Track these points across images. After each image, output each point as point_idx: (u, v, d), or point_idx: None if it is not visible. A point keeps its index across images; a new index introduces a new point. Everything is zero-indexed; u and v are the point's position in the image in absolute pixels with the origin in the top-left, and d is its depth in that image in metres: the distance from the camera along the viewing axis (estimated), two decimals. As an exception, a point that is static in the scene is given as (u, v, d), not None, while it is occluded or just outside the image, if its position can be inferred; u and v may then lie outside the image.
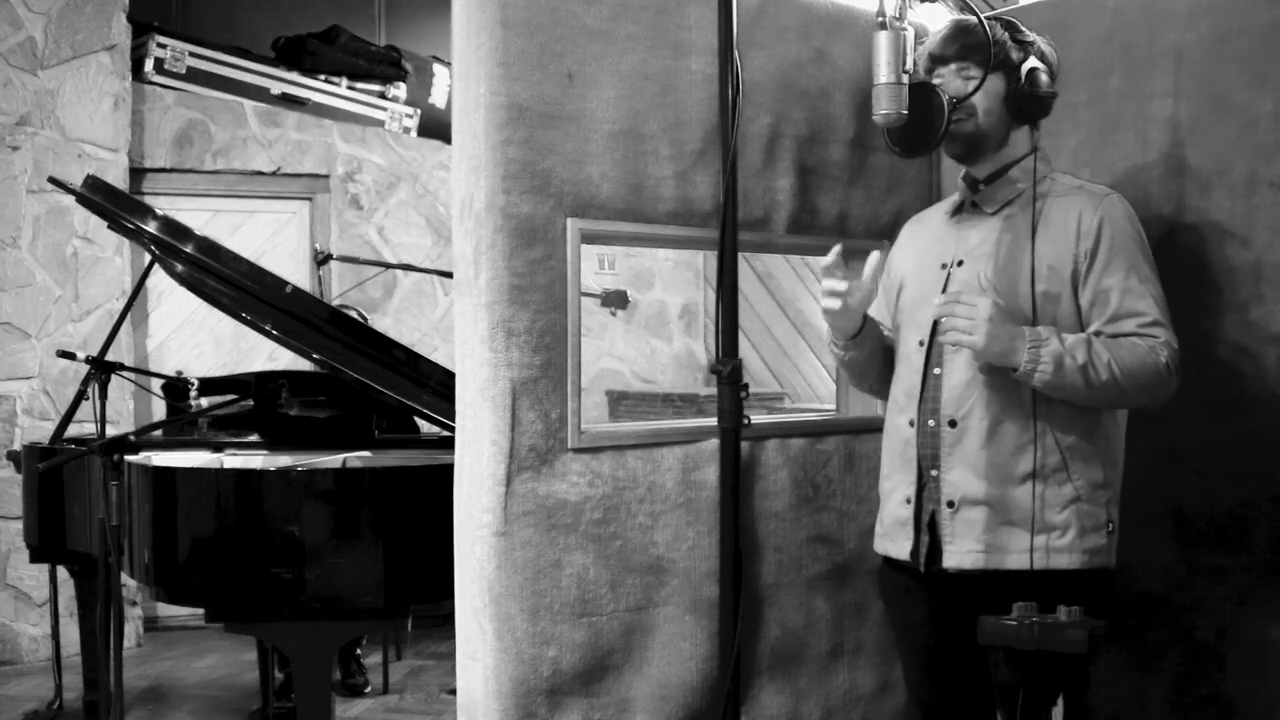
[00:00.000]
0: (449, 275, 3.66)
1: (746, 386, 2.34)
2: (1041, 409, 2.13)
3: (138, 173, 5.56)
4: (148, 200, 4.86)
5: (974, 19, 2.16)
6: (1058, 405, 2.14)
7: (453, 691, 3.49)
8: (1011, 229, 2.22)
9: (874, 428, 2.70)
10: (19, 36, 5.12)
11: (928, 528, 2.24)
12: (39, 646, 5.11)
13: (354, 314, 4.45)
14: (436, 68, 6.50)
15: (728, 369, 2.31)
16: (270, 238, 5.96)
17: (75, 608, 4.01)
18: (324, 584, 2.76)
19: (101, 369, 3.80)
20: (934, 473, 2.23)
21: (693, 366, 7.20)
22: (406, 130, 6.33)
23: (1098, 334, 2.13)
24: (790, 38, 2.63)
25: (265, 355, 5.73)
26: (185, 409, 4.04)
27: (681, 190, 2.46)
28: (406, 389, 3.17)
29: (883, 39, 2.09)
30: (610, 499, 2.36)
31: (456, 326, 2.32)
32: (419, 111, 6.38)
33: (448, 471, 2.40)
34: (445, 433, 3.46)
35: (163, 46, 5.57)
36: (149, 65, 5.53)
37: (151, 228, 3.22)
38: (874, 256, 2.25)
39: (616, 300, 4.70)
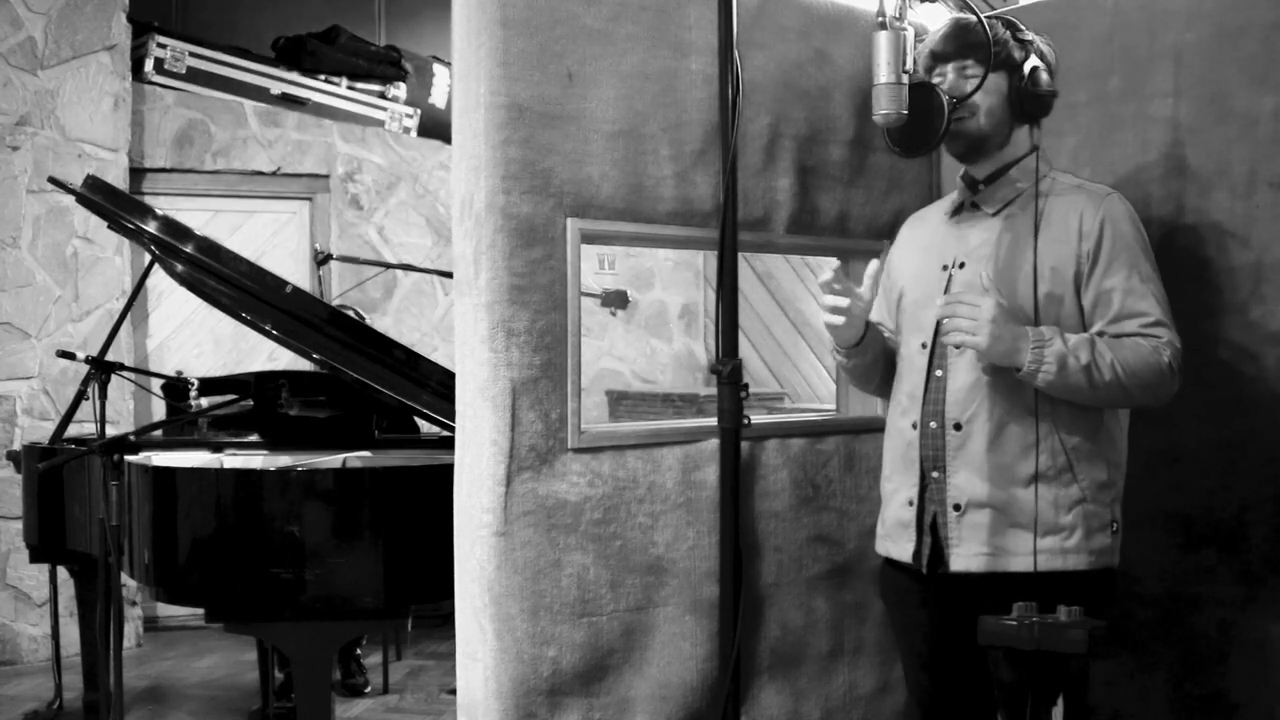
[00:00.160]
0: (449, 275, 3.66)
1: (746, 386, 2.34)
2: (1045, 410, 2.13)
3: (138, 173, 5.56)
4: (148, 200, 4.86)
5: (975, 17, 2.16)
6: (1062, 406, 2.14)
7: (453, 691, 3.49)
8: (1012, 229, 2.22)
9: (874, 428, 2.70)
10: (19, 36, 5.12)
11: (929, 529, 2.24)
12: (39, 646, 5.12)
13: (351, 313, 4.45)
14: (436, 68, 6.50)
15: (728, 369, 2.31)
16: (270, 238, 5.96)
17: (75, 608, 4.01)
18: (324, 584, 2.76)
19: (101, 369, 3.80)
20: (935, 474, 2.23)
21: (693, 366, 7.20)
22: (406, 130, 6.33)
23: (1100, 334, 2.13)
24: (790, 38, 2.63)
25: (265, 355, 5.73)
26: (185, 409, 4.04)
27: (681, 190, 2.46)
28: (406, 389, 3.17)
29: (883, 39, 2.09)
30: (610, 499, 2.36)
31: (456, 326, 2.32)
32: (419, 111, 6.38)
33: (448, 471, 2.40)
34: (445, 433, 3.46)
35: (163, 46, 5.57)
36: (149, 65, 5.53)
37: (151, 228, 3.22)
38: (873, 265, 2.25)
39: (616, 300, 4.70)
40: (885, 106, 2.10)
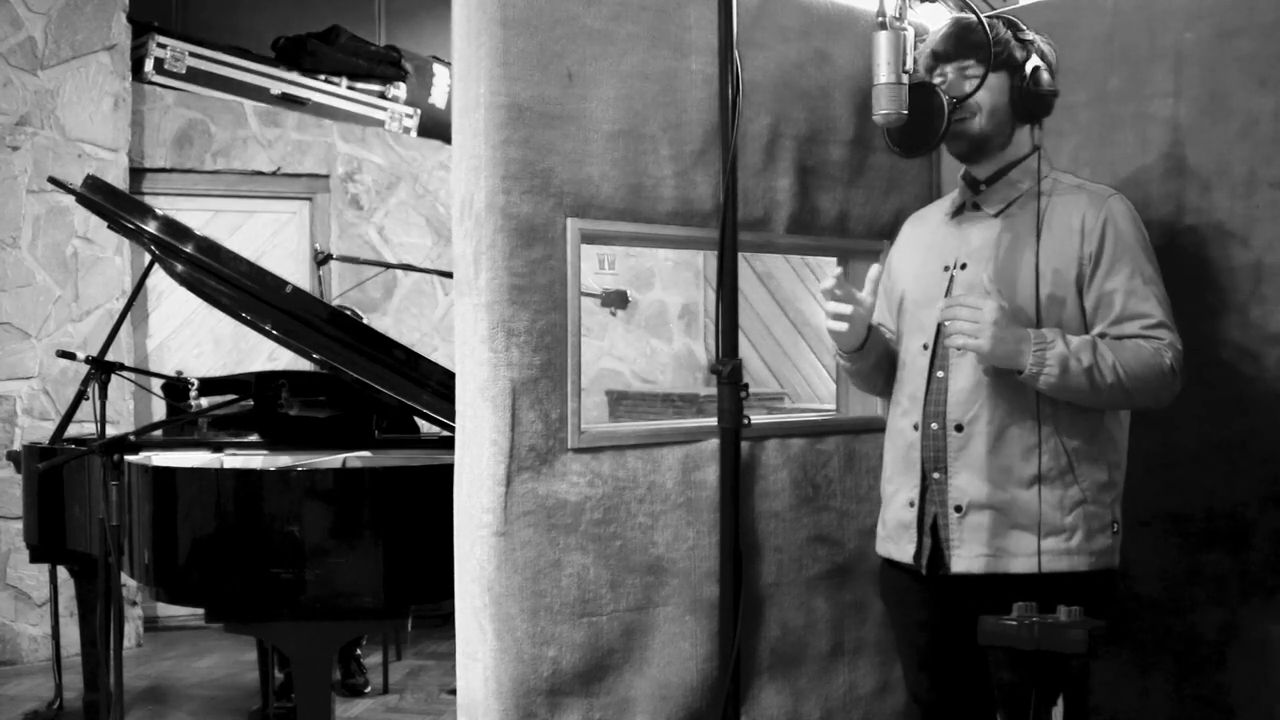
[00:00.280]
0: (449, 275, 3.66)
1: (746, 386, 2.34)
2: (1047, 411, 2.13)
3: (138, 173, 5.56)
4: (148, 200, 4.86)
5: (975, 17, 2.16)
6: (1063, 408, 2.14)
7: (453, 691, 3.49)
8: (1014, 230, 2.21)
9: (874, 428, 2.70)
10: (19, 36, 5.12)
11: (929, 531, 2.24)
12: (39, 646, 5.11)
13: (349, 313, 4.45)
14: (436, 68, 6.50)
15: (728, 369, 2.31)
16: (270, 238, 5.96)
17: (75, 608, 4.01)
18: (324, 584, 2.76)
19: (101, 369, 3.79)
20: (936, 476, 2.23)
21: (693, 366, 7.20)
22: (406, 130, 6.33)
23: (1102, 336, 2.13)
24: (790, 38, 2.63)
25: (265, 355, 5.73)
26: (185, 409, 4.04)
27: (681, 190, 2.46)
28: (406, 389, 3.17)
29: (883, 39, 2.09)
30: (610, 499, 2.36)
31: (456, 326, 2.32)
32: (419, 111, 6.38)
33: (448, 471, 2.40)
34: (445, 433, 3.46)
35: (163, 46, 5.57)
36: (149, 65, 5.53)
37: (151, 228, 3.22)
38: (874, 270, 2.25)
39: (616, 300, 4.70)
40: (885, 106, 2.11)
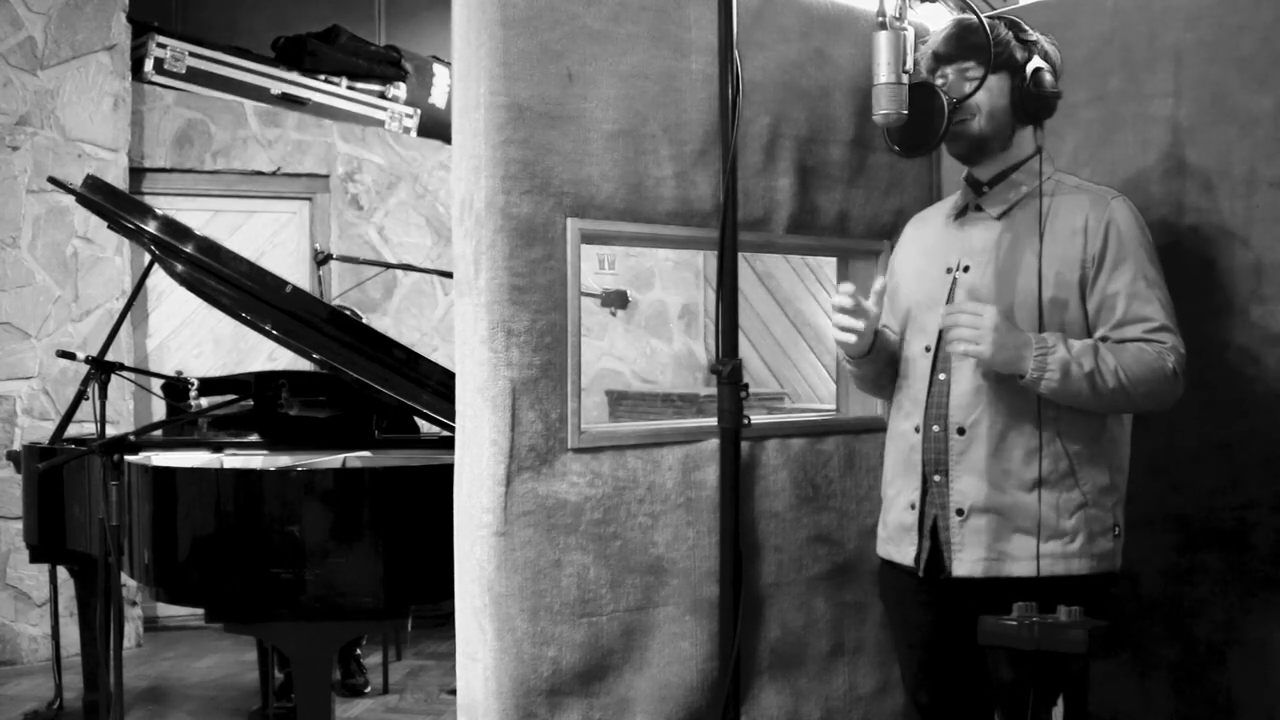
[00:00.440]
0: (449, 275, 3.66)
1: (746, 386, 2.34)
2: (1048, 415, 2.12)
3: (138, 173, 5.56)
4: (148, 200, 4.86)
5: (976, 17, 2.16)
6: (1065, 411, 2.13)
7: (453, 691, 3.49)
8: (1016, 232, 2.21)
9: (874, 428, 2.70)
10: (19, 36, 5.11)
11: (930, 533, 2.24)
12: (39, 646, 5.11)
13: (349, 313, 4.45)
14: (436, 68, 6.49)
15: (728, 369, 2.31)
16: (270, 238, 5.96)
17: (75, 608, 4.01)
18: (324, 584, 2.76)
19: (101, 369, 3.79)
20: (937, 478, 2.23)
21: (693, 366, 7.20)
22: (406, 130, 6.33)
23: (1104, 339, 2.12)
24: (790, 38, 2.63)
25: (265, 355, 5.73)
26: (185, 409, 4.04)
27: (681, 190, 2.46)
28: (406, 389, 3.17)
29: (883, 39, 2.09)
30: (610, 499, 2.36)
31: (456, 326, 2.31)
32: (419, 111, 6.38)
33: (448, 471, 2.40)
34: (445, 433, 3.46)
35: (163, 46, 5.57)
36: (149, 65, 5.53)
37: (151, 228, 3.22)
38: (878, 283, 2.25)
39: (616, 300, 4.70)
40: (885, 106, 2.10)
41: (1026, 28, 2.22)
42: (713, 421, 2.39)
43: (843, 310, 2.25)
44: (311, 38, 6.13)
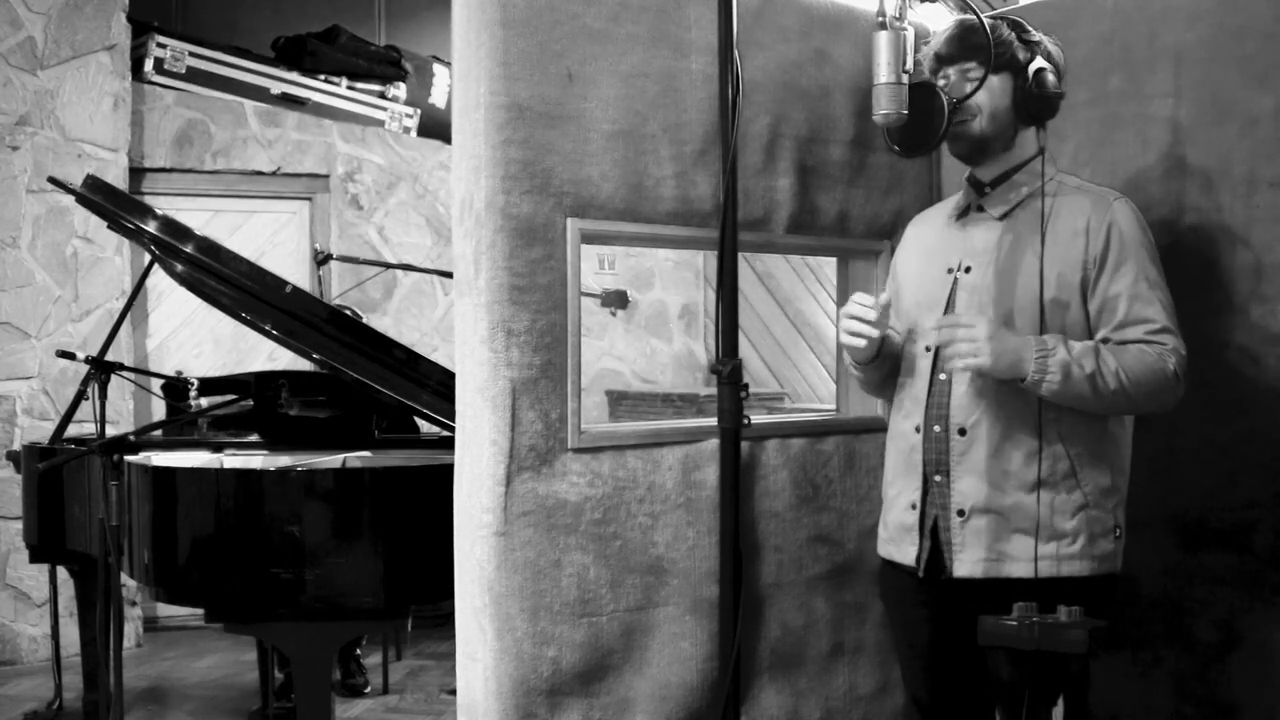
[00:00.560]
0: (449, 275, 3.66)
1: (746, 386, 2.33)
2: (1049, 416, 2.12)
3: (138, 173, 5.56)
4: (148, 200, 4.86)
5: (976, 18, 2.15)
6: (1065, 412, 2.13)
7: (453, 691, 3.49)
8: (1018, 233, 2.21)
9: (874, 428, 2.70)
10: (19, 36, 5.11)
11: (930, 533, 2.24)
12: (39, 646, 5.11)
13: (349, 313, 4.45)
14: (436, 68, 6.49)
15: (728, 369, 2.31)
16: (270, 238, 5.96)
17: (75, 608, 4.01)
18: (324, 584, 2.76)
19: (101, 369, 3.79)
20: (938, 479, 2.23)
21: (693, 366, 7.20)
22: (406, 130, 6.33)
23: (1105, 341, 2.12)
24: (790, 38, 2.63)
25: (265, 355, 5.73)
26: (185, 409, 4.04)
27: (681, 190, 2.46)
28: (406, 389, 3.17)
29: (883, 39, 2.09)
30: (610, 499, 2.36)
31: (456, 326, 2.31)
32: (419, 111, 6.38)
33: (448, 471, 2.40)
34: (445, 433, 3.46)
35: (163, 46, 5.57)
36: (149, 65, 5.53)
37: (151, 228, 3.22)
38: (883, 298, 2.25)
39: (616, 300, 4.70)
40: (885, 106, 2.10)
41: (1030, 28, 2.22)
42: (713, 421, 2.39)
43: (861, 320, 2.24)
44: (311, 38, 6.13)
